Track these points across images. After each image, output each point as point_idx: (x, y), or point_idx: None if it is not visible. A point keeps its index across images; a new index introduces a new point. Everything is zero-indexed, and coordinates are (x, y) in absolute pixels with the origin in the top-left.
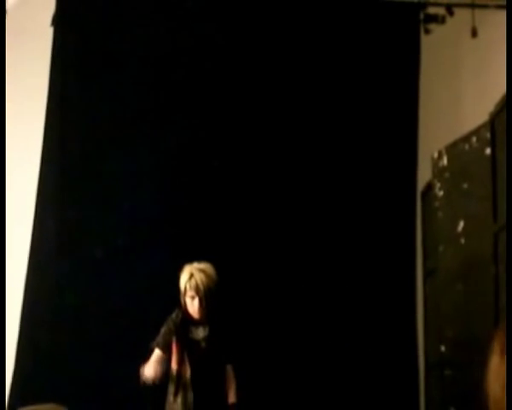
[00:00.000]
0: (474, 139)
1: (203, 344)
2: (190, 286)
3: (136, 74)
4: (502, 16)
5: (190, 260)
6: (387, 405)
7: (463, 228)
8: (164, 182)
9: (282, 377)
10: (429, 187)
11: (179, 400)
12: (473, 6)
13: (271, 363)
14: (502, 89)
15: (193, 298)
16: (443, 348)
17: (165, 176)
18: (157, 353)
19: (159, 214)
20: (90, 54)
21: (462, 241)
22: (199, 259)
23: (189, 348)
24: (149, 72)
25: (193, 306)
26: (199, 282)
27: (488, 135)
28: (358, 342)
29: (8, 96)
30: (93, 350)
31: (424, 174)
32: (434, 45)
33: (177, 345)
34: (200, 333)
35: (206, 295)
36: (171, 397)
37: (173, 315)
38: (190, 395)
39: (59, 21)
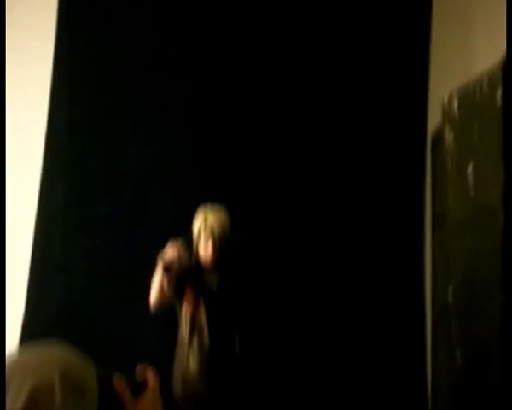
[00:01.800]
0: (485, 82)
1: (215, 290)
2: (205, 228)
3: (146, 24)
4: None
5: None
6: (394, 349)
7: (473, 173)
8: (171, 129)
9: (286, 336)
10: (439, 131)
11: (195, 343)
12: None
13: (275, 321)
14: None
15: (207, 241)
16: (450, 294)
17: (172, 124)
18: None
19: (167, 163)
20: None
21: (471, 186)
22: (211, 203)
23: (202, 292)
24: (161, 21)
25: (206, 249)
26: (214, 225)
27: (500, 78)
28: (366, 283)
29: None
30: (103, 305)
31: (434, 118)
32: None
33: (191, 288)
34: (212, 279)
35: (221, 239)
36: (185, 340)
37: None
38: (206, 339)
39: None
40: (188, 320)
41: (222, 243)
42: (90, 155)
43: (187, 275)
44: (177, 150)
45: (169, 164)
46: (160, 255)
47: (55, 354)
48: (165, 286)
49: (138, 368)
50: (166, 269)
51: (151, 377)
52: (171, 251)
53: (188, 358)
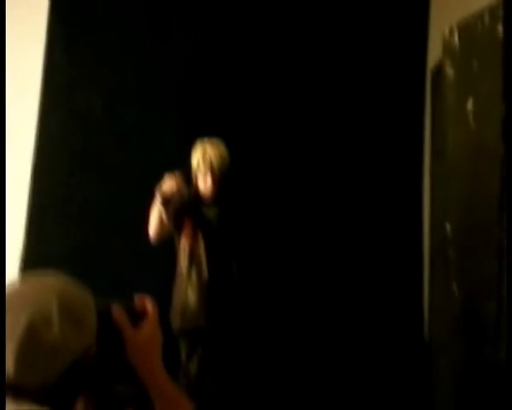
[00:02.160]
0: (486, 16)
1: (214, 223)
2: (204, 162)
3: None
4: None
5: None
6: (392, 285)
7: (473, 108)
8: (172, 62)
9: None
10: (439, 65)
11: (194, 276)
12: None
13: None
14: None
15: (206, 174)
16: (448, 229)
17: (173, 55)
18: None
19: (168, 92)
20: None
21: (471, 121)
22: (209, 136)
23: (201, 224)
24: None
25: (205, 182)
26: (213, 158)
27: (501, 12)
28: (363, 214)
29: None
30: (103, 231)
31: (435, 52)
32: None
33: (190, 221)
34: (211, 212)
35: (220, 172)
36: (184, 271)
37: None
38: (205, 272)
39: None
40: (186, 253)
41: (221, 177)
42: (88, 84)
43: (185, 208)
44: (176, 86)
45: (168, 99)
46: (157, 188)
47: (53, 284)
48: (164, 219)
49: (137, 298)
50: (165, 202)
51: (150, 307)
52: (169, 183)
53: (186, 291)
